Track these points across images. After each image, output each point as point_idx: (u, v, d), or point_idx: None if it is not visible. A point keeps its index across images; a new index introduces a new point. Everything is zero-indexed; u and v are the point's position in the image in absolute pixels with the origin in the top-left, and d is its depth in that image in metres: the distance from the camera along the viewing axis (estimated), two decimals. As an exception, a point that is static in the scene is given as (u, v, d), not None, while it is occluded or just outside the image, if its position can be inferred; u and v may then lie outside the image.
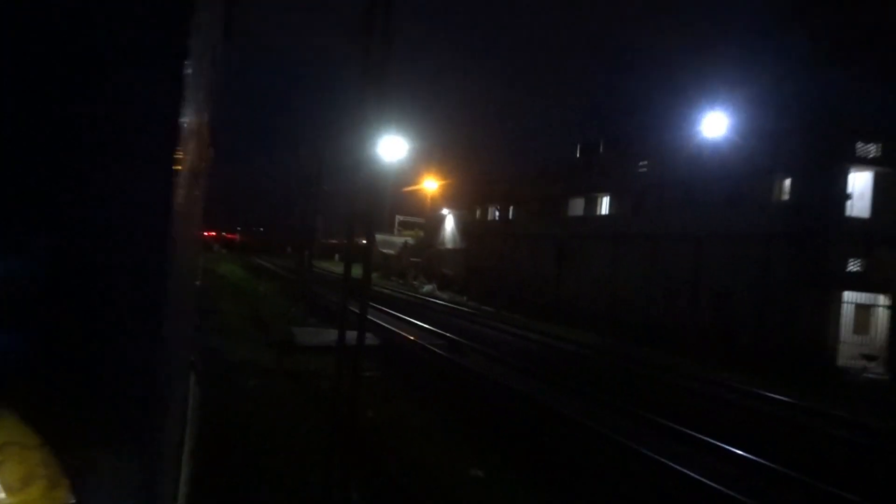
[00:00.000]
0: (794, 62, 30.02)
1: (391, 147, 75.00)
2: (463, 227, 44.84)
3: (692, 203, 23.88)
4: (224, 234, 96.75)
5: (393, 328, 21.14)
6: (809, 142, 19.92)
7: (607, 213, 30.46)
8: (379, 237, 77.52)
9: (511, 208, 39.32)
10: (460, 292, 39.67)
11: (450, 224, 49.01)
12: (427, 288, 42.57)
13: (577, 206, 32.76)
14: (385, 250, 69.66)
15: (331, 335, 17.41)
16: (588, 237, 30.36)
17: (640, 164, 27.85)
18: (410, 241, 61.51)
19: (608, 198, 30.40)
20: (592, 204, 31.26)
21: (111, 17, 0.88)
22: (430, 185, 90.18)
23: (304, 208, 31.20)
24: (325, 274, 54.13)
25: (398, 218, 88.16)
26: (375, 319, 23.52)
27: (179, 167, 0.95)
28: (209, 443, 5.00)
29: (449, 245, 48.57)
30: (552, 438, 10.12)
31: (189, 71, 0.94)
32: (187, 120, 1.00)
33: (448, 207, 48.99)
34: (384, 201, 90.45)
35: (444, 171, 55.26)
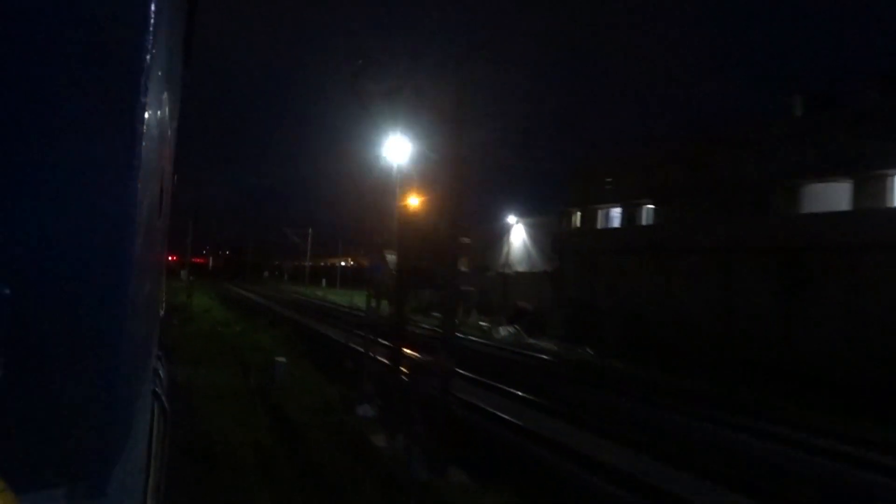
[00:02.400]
0: None
1: (398, 148, 61.46)
2: (551, 239, 30.66)
3: None
4: (192, 258, 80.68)
5: None
6: None
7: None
8: (390, 257, 63.01)
9: (647, 207, 25.48)
10: (569, 340, 25.44)
11: (519, 237, 35.03)
12: (504, 332, 28.27)
13: (821, 196, 19.02)
14: (401, 275, 55.14)
15: None
16: (873, 247, 16.65)
17: None
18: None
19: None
20: (875, 187, 17.49)
21: (60, 47, 0.86)
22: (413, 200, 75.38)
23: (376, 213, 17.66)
24: (325, 306, 39.30)
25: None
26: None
27: (139, 193, 0.95)
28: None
29: (519, 267, 34.50)
30: None
31: (145, 101, 0.94)
32: (145, 148, 0.98)
33: (516, 214, 34.91)
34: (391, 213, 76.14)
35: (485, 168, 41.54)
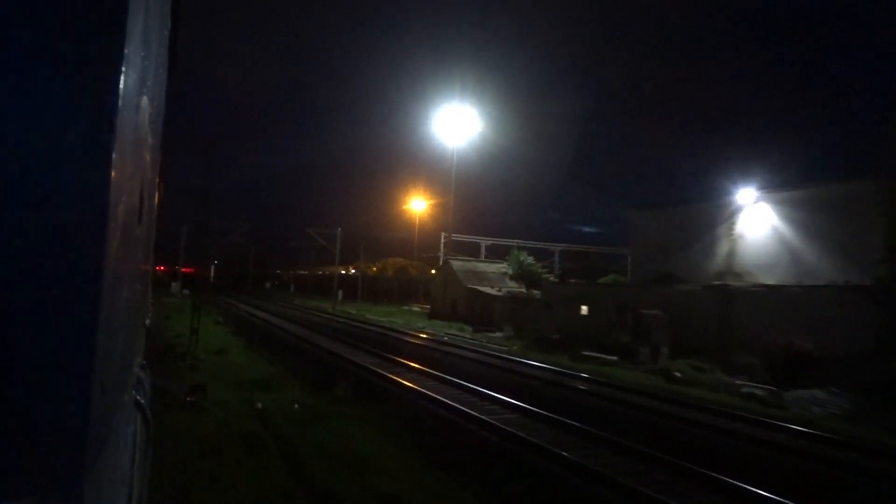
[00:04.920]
0: None
1: (457, 124, 46.86)
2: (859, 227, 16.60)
3: None
4: (183, 268, 65.96)
5: None
6: None
7: None
8: (456, 264, 48.57)
9: None
10: None
11: (761, 224, 21.17)
12: (816, 409, 14.27)
13: None
14: (475, 286, 40.89)
15: None
16: None
17: None
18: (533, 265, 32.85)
19: None
20: None
21: (26, 44, 0.84)
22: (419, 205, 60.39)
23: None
24: (420, 344, 22.88)
25: (444, 236, 60.81)
26: None
27: (112, 198, 0.91)
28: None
29: (762, 275, 20.63)
30: None
31: (118, 103, 0.91)
32: (119, 151, 0.96)
33: (757, 185, 20.88)
34: (446, 210, 61.83)
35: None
